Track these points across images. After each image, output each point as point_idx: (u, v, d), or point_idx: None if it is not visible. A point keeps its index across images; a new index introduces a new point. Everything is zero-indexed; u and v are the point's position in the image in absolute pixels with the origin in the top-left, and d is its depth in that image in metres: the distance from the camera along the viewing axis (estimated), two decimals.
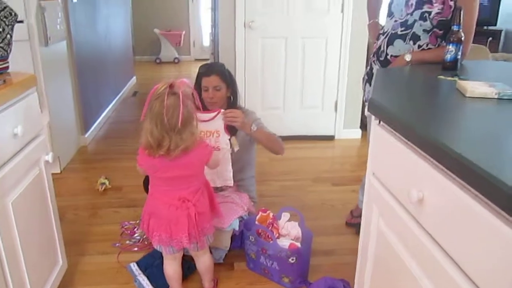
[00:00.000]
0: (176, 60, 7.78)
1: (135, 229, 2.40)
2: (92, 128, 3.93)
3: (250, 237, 2.02)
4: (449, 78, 1.58)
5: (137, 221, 2.43)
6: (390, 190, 1.21)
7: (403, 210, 1.11)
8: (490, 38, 4.95)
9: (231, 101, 2.27)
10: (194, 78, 2.27)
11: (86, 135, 3.76)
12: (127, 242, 2.31)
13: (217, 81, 2.17)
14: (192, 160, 1.65)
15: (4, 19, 1.58)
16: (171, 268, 1.83)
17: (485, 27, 5.00)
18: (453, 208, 0.86)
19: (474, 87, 1.35)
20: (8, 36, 1.61)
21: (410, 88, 1.49)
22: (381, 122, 1.24)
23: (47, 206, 1.73)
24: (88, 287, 2.00)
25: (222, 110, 2.05)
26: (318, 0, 3.54)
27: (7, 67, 1.67)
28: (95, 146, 3.77)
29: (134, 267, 2.09)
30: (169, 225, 1.68)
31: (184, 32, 7.73)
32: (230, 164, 2.12)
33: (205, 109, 2.15)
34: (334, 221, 2.57)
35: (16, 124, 1.45)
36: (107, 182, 2.93)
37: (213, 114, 2.05)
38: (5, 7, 1.57)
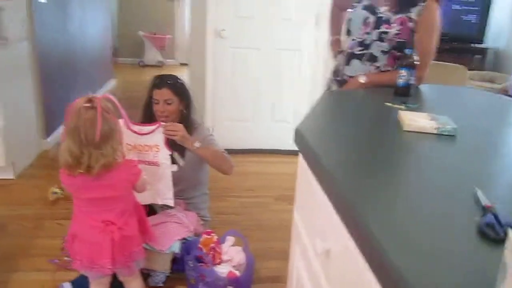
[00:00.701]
0: (159, 64, 7.66)
1: None
2: (56, 131, 3.80)
3: (189, 262, 1.91)
4: (396, 106, 1.49)
5: None
6: (308, 233, 1.11)
7: (315, 258, 1.01)
8: (476, 56, 4.88)
9: (185, 115, 2.16)
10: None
11: (49, 139, 3.63)
12: (66, 258, 2.19)
13: (169, 94, 2.07)
14: (117, 180, 1.55)
15: None
16: None
17: (471, 45, 4.94)
18: (354, 277, 0.76)
19: (412, 120, 1.25)
20: None
21: (348, 116, 1.39)
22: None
23: None
24: None
25: (163, 123, 1.94)
26: (293, 11, 3.45)
27: None
28: (57, 151, 3.64)
29: (67, 287, 1.97)
30: (91, 249, 1.57)
31: (169, 36, 7.61)
32: (171, 181, 1.98)
33: (150, 122, 2.04)
34: (288, 244, 2.45)
35: None
36: (59, 192, 2.80)
37: (152, 128, 1.93)
38: None
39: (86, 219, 1.57)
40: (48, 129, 3.63)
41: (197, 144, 2.00)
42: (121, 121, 1.85)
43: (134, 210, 1.67)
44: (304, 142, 1.08)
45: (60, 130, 3.81)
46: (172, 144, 1.98)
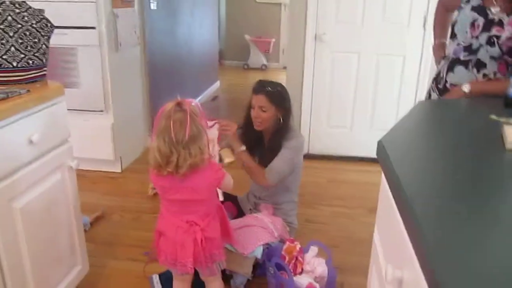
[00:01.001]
0: (263, 67, 7.80)
1: None
2: None
3: (270, 268, 1.89)
4: (503, 120, 1.31)
5: None
6: (384, 255, 1.02)
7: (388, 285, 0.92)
8: None
9: (280, 124, 2.15)
10: None
11: None
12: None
13: (264, 101, 2.08)
14: (202, 183, 1.58)
15: (40, 30, 1.64)
16: None
17: None
18: None
19: None
20: (44, 46, 1.67)
21: (442, 131, 1.25)
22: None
23: (68, 210, 1.77)
24: None
25: (220, 120, 2.01)
26: (397, 12, 3.26)
27: (44, 75, 1.74)
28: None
29: (155, 278, 2.07)
30: (175, 247, 1.62)
31: (274, 40, 7.72)
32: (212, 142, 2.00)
33: (252, 126, 2.15)
34: None
35: (33, 132, 1.49)
36: None
37: (211, 123, 1.95)
38: (41, 19, 1.64)
39: (172, 218, 1.63)
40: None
41: (241, 148, 2.08)
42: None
43: (217, 213, 1.70)
44: (385, 157, 1.00)
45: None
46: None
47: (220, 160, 2.04)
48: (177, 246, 1.62)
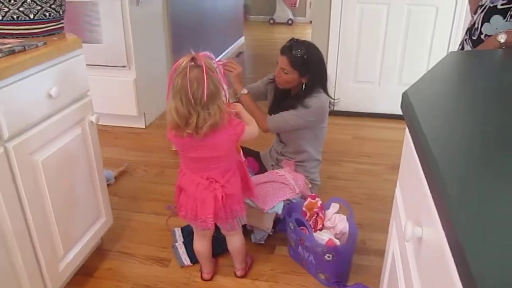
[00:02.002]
0: (289, 22, 7.59)
1: None
2: None
3: (290, 224, 1.88)
4: None
5: None
6: (406, 212, 0.98)
7: (408, 244, 0.89)
8: None
9: (303, 88, 2.09)
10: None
11: None
12: None
13: (286, 64, 2.03)
14: (222, 140, 1.54)
15: None
16: (200, 244, 1.79)
17: None
18: (442, 279, 0.64)
19: None
20: None
21: (474, 83, 1.17)
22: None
23: (90, 164, 1.78)
24: (130, 244, 2.07)
25: (224, 61, 1.96)
26: None
27: (62, 28, 1.71)
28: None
29: (177, 232, 2.11)
30: (195, 203, 1.62)
31: None
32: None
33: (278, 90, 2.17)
34: None
35: (51, 85, 1.48)
36: None
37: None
38: None
39: (192, 175, 1.61)
40: None
41: (243, 91, 2.09)
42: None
43: (237, 168, 1.67)
44: (410, 111, 0.93)
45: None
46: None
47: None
48: (198, 202, 1.61)
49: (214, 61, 1.56)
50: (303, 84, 2.08)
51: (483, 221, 0.55)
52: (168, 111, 1.47)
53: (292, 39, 2.09)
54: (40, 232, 1.49)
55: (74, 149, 1.66)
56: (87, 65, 1.71)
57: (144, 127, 3.34)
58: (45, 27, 1.62)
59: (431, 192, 0.70)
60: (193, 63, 1.42)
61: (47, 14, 1.61)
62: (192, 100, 1.41)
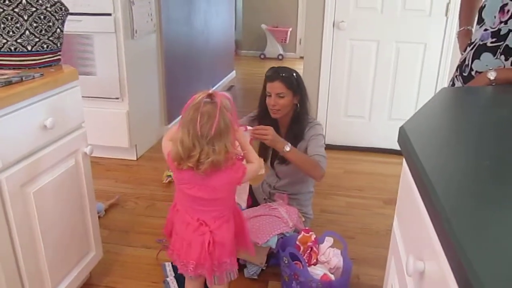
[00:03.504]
0: (280, 57, 7.73)
1: None
2: (178, 119, 4.04)
3: (284, 258, 1.85)
4: None
5: None
6: (405, 246, 0.98)
7: (408, 278, 0.88)
8: None
9: (297, 109, 2.11)
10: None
11: (169, 126, 3.87)
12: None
13: (281, 87, 2.04)
14: (222, 182, 1.48)
15: (55, 14, 1.62)
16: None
17: None
18: None
19: None
20: (58, 30, 1.66)
21: (467, 118, 1.19)
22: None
23: (82, 196, 1.76)
24: (120, 279, 2.02)
25: (249, 128, 1.90)
26: (418, 0, 3.16)
27: (59, 59, 1.72)
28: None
29: (168, 267, 2.06)
30: (182, 244, 1.53)
31: (290, 29, 7.62)
32: (248, 184, 1.98)
33: (266, 114, 2.10)
34: None
35: (47, 116, 1.48)
36: (172, 175, 2.97)
37: (242, 128, 1.85)
38: (56, 2, 1.62)
39: (184, 214, 1.54)
40: (169, 116, 3.87)
41: (287, 148, 1.90)
42: None
43: (233, 217, 1.58)
44: (407, 144, 0.95)
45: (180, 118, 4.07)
46: (266, 147, 2.00)
47: None
48: (184, 243, 1.52)
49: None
50: (297, 105, 2.10)
51: (490, 252, 0.55)
52: (173, 142, 1.45)
53: (272, 67, 2.11)
54: (28, 266, 1.45)
55: (67, 180, 1.64)
56: None
57: (135, 159, 3.32)
58: (43, 58, 1.63)
59: (434, 225, 0.70)
60: (209, 99, 1.41)
61: (45, 46, 1.62)
62: (199, 133, 1.38)
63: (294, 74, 2.08)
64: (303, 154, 2.01)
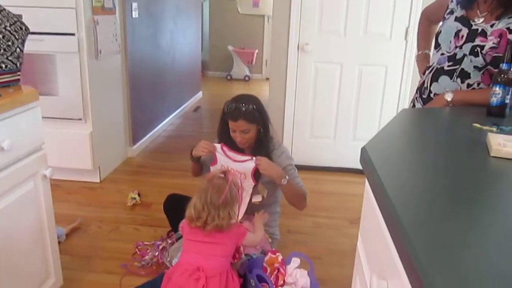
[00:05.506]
0: (246, 78, 7.80)
1: (147, 251, 2.32)
2: (143, 140, 3.99)
3: (251, 280, 1.83)
4: (486, 128, 1.30)
5: (151, 242, 2.36)
6: (368, 265, 0.99)
7: None
8: None
9: (261, 134, 2.12)
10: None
11: (134, 147, 3.81)
12: (136, 264, 2.24)
13: (245, 125, 2.05)
14: (224, 241, 1.73)
15: (14, 33, 1.59)
16: None
17: None
18: None
19: (503, 144, 1.08)
20: (18, 49, 1.62)
21: (426, 137, 1.24)
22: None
23: (41, 221, 1.69)
24: None
25: (254, 158, 2.03)
26: (379, 25, 3.28)
27: (18, 80, 1.68)
28: (141, 159, 3.81)
29: None
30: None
31: (257, 51, 7.73)
32: (245, 208, 2.09)
33: (234, 147, 2.12)
34: None
35: (4, 138, 1.43)
36: (137, 198, 2.91)
37: (245, 158, 2.05)
38: (15, 21, 1.58)
39: (183, 263, 1.73)
40: (134, 138, 3.81)
41: (284, 182, 2.02)
42: (218, 146, 2.09)
43: (227, 274, 1.74)
44: (368, 163, 0.97)
45: (145, 139, 4.00)
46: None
47: (257, 192, 2.11)
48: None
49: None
50: (260, 130, 2.11)
51: (449, 270, 0.56)
52: (189, 206, 1.73)
53: (230, 102, 2.07)
54: None
55: (25, 204, 1.58)
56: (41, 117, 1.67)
57: (99, 181, 3.23)
58: (1, 78, 1.58)
59: (394, 243, 0.71)
60: (223, 175, 1.76)
61: (3, 65, 1.58)
62: (209, 200, 1.68)
63: (254, 106, 2.06)
64: (296, 186, 2.12)
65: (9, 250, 1.51)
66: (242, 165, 2.05)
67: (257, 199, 2.12)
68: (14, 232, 1.53)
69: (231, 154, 2.08)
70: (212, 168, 2.12)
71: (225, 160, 2.08)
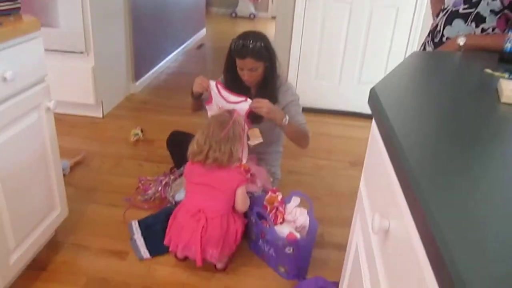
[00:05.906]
0: (251, 16, 7.58)
1: (150, 186, 2.36)
2: (146, 76, 3.94)
3: (251, 217, 1.88)
4: (497, 74, 1.27)
5: (154, 178, 2.40)
6: (371, 205, 1.01)
7: (373, 235, 0.91)
8: None
9: (269, 73, 2.08)
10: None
11: (137, 83, 3.77)
12: (139, 198, 2.29)
13: (252, 63, 2.00)
14: (224, 177, 1.75)
15: None
16: None
17: None
18: (411, 269, 0.65)
19: None
20: None
21: (436, 81, 1.21)
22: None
23: (46, 152, 1.70)
24: (86, 237, 2.00)
25: (249, 100, 1.94)
26: None
27: (19, 8, 1.62)
28: (144, 95, 3.78)
29: (135, 225, 2.06)
30: (177, 227, 1.78)
31: None
32: (246, 149, 2.05)
33: (241, 85, 2.09)
34: None
35: (7, 68, 1.40)
36: (140, 134, 2.92)
37: (239, 99, 1.96)
38: None
39: (187, 204, 1.80)
40: (137, 74, 3.76)
41: (285, 122, 1.96)
42: (212, 82, 2.01)
43: (228, 217, 1.77)
44: (377, 105, 0.95)
45: (148, 75, 3.95)
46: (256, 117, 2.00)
47: (248, 139, 2.04)
48: (178, 226, 1.77)
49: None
50: (268, 68, 2.07)
51: (455, 211, 0.57)
52: (191, 142, 1.77)
53: (238, 40, 2.01)
54: None
55: (29, 136, 1.58)
56: None
57: (101, 116, 3.23)
58: (1, 6, 1.52)
59: (401, 185, 0.71)
60: (228, 114, 1.79)
61: None
62: (211, 134, 1.71)
63: (262, 44, 2.00)
64: (298, 126, 2.08)
65: (16, 182, 1.53)
66: (236, 106, 1.95)
67: (253, 142, 2.07)
68: (19, 164, 1.55)
69: (225, 93, 1.99)
70: (207, 107, 2.07)
71: (219, 100, 2.01)
